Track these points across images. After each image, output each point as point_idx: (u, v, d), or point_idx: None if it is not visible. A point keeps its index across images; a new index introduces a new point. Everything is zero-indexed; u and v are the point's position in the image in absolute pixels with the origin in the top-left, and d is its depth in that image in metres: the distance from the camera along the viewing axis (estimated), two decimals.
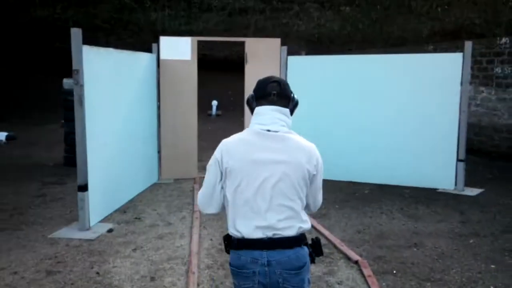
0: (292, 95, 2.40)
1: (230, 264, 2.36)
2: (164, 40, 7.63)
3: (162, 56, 7.56)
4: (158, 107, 7.75)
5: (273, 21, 18.91)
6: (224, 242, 2.42)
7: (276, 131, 2.30)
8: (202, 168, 8.49)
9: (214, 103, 16.53)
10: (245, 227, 2.29)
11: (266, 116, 2.32)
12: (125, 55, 6.56)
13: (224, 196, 2.37)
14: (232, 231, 2.32)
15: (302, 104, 2.62)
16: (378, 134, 7.49)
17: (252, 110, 2.42)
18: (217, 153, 2.35)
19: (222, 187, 2.37)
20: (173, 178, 7.84)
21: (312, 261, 2.39)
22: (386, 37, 19.01)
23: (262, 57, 7.81)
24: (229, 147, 2.34)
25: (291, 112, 2.40)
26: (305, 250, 2.34)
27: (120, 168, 6.25)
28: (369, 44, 18.36)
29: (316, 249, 2.41)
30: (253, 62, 7.81)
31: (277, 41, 7.99)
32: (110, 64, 5.93)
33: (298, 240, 2.31)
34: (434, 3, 19.46)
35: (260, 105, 2.36)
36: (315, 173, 2.34)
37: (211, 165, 2.37)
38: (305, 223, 2.32)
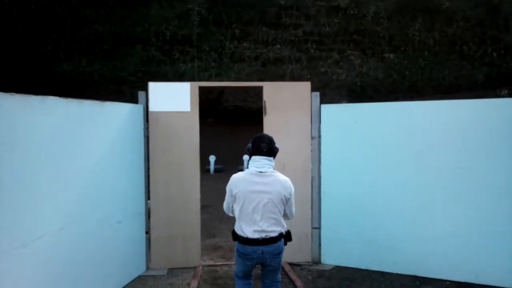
0: (276, 149, 4.08)
1: (237, 250, 3.94)
2: (154, 87, 5.69)
3: (151, 108, 5.58)
4: (147, 174, 5.69)
5: (311, 70, 16.96)
6: (232, 235, 4.01)
7: (265, 172, 3.90)
8: (208, 251, 6.28)
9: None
10: (247, 230, 3.84)
11: (259, 162, 3.92)
12: (87, 106, 4.61)
13: (233, 210, 3.98)
14: (239, 232, 3.90)
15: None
16: (436, 207, 5.20)
17: (250, 156, 4.02)
18: (229, 185, 3.96)
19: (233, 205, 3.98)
20: (166, 268, 5.75)
21: (285, 244, 4.00)
22: (436, 84, 16.79)
23: (286, 105, 5.78)
24: (236, 181, 3.93)
25: (274, 157, 4.05)
26: (282, 242, 3.96)
27: (81, 259, 4.39)
28: (417, 92, 16.23)
29: (287, 237, 4.03)
30: (275, 112, 5.77)
31: (306, 85, 5.94)
32: (55, 119, 3.97)
33: (278, 238, 3.90)
34: (489, 48, 17.17)
35: (255, 155, 3.97)
36: (289, 197, 4.00)
37: (227, 192, 3.99)
38: (283, 228, 3.96)
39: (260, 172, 3.84)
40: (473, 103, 5.29)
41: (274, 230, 3.83)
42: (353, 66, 17.33)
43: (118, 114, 5.16)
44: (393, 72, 17.33)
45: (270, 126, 5.91)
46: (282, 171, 5.96)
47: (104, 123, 4.87)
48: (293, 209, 4.07)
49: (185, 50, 16.78)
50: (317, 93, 6.01)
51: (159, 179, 5.77)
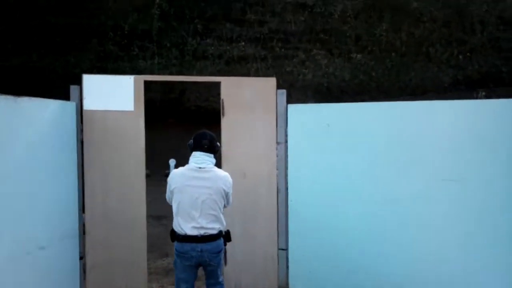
0: (217, 145, 4.05)
1: (176, 250, 3.84)
2: (89, 80, 4.68)
3: (86, 106, 4.59)
4: (82, 185, 4.68)
5: (276, 69, 16.08)
6: (171, 235, 3.89)
7: (204, 168, 3.87)
8: (158, 276, 5.33)
9: (172, 162, 14.16)
10: (186, 227, 3.76)
11: (199, 158, 3.89)
12: None
13: (172, 207, 3.89)
14: (177, 229, 3.82)
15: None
16: (416, 221, 4.39)
17: (191, 152, 3.96)
18: (168, 180, 3.94)
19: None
20: None
21: (225, 244, 3.98)
22: (403, 86, 16.23)
23: (248, 105, 4.89)
24: (175, 176, 3.93)
25: (215, 154, 4.02)
26: (222, 241, 3.91)
27: None
28: (384, 93, 15.61)
29: (227, 237, 3.99)
30: (234, 112, 4.87)
31: (271, 81, 5.05)
32: None
33: (218, 236, 3.84)
34: (455, 50, 16.74)
35: (196, 151, 3.93)
36: (228, 191, 3.98)
37: (167, 187, 3.95)
38: (222, 226, 3.92)
39: (200, 168, 3.85)
40: (465, 104, 4.51)
41: (213, 227, 3.81)
42: (319, 66, 16.57)
43: (41, 112, 4.13)
44: (360, 73, 16.66)
45: (229, 129, 5.01)
46: (243, 180, 5.07)
47: (20, 123, 3.85)
48: (231, 199, 4.12)
49: (145, 46, 15.63)
50: (283, 91, 5.12)
51: (96, 192, 4.76)
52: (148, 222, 8.89)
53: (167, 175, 13.80)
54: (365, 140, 4.69)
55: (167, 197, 4.01)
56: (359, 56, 16.97)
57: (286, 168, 5.04)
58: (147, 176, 13.96)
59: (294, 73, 16.45)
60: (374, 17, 16.93)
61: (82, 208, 4.72)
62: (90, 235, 4.75)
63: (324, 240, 4.89)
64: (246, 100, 4.99)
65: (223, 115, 4.99)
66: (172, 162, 14.89)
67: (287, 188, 5.06)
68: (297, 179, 5.01)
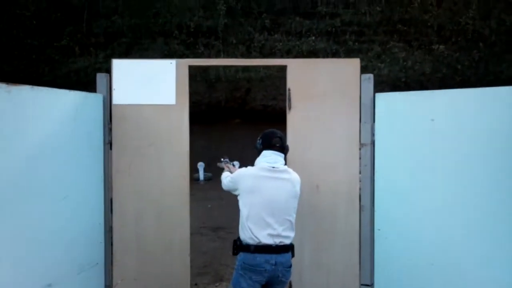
0: (287, 146, 3.37)
1: (243, 263, 3.11)
2: (120, 67, 3.56)
3: (115, 99, 3.48)
4: (109, 201, 3.59)
5: None
6: (234, 247, 3.19)
7: (278, 168, 3.22)
8: None
9: (201, 165, 13.20)
10: (260, 234, 3.08)
11: (270, 157, 3.26)
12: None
13: (240, 211, 3.18)
14: (247, 239, 3.12)
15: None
16: None
17: (259, 153, 3.34)
18: (234, 179, 3.27)
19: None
20: None
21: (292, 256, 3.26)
22: (493, 79, 14.21)
23: (322, 95, 3.56)
24: (244, 176, 3.23)
25: (285, 155, 3.34)
26: (290, 254, 3.22)
27: None
28: (471, 88, 13.69)
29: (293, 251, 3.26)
30: (304, 105, 3.57)
31: (353, 63, 3.67)
32: None
33: (291, 247, 3.20)
34: None
35: (266, 150, 3.30)
36: (299, 192, 3.30)
37: (232, 181, 3.29)
38: (294, 233, 3.24)
39: (273, 167, 3.24)
40: None
41: (288, 235, 3.21)
42: (396, 59, 14.89)
43: (58, 106, 3.07)
44: (443, 66, 14.83)
45: (297, 126, 3.73)
46: (314, 194, 3.79)
47: (28, 118, 2.81)
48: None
49: (210, 44, 14.74)
50: (370, 76, 3.77)
51: (127, 209, 3.64)
52: (202, 233, 7.93)
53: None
54: (489, 141, 3.26)
55: (225, 185, 3.42)
56: (441, 47, 15.13)
57: (373, 178, 3.69)
58: (209, 179, 12.97)
59: (368, 68, 14.83)
60: (460, 4, 15.00)
61: (109, 230, 3.64)
62: (119, 265, 3.66)
63: (423, 276, 3.50)
64: (320, 89, 3.69)
65: (289, 108, 3.73)
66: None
67: (373, 206, 3.71)
68: (387, 194, 3.65)
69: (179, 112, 3.66)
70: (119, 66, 3.61)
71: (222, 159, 3.83)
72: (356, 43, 15.05)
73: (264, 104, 14.47)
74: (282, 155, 3.30)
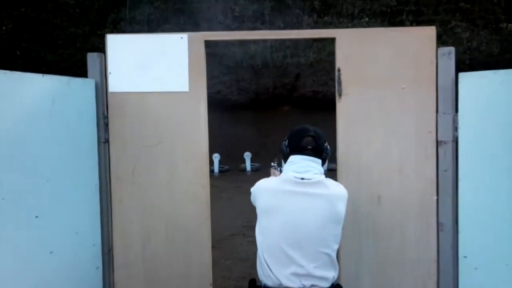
0: (325, 147, 2.31)
1: None
2: (116, 44, 2.68)
3: (112, 86, 2.61)
4: (106, 217, 2.74)
5: None
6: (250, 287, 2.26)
7: (310, 179, 2.19)
8: None
9: (247, 155, 12.07)
10: (280, 274, 2.11)
11: (299, 164, 2.23)
12: None
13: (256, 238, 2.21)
14: (264, 278, 2.16)
15: None
16: None
17: (285, 158, 2.32)
18: (252, 196, 2.31)
19: None
20: None
21: None
22: None
23: (383, 76, 2.50)
24: (263, 191, 2.25)
25: (324, 162, 2.30)
26: None
27: None
28: None
29: None
30: (360, 89, 2.53)
31: (427, 32, 2.59)
32: None
33: None
34: None
35: (294, 154, 2.27)
36: (343, 213, 2.20)
37: (252, 196, 2.31)
38: (336, 272, 2.19)
39: (303, 179, 2.19)
40: None
41: (324, 276, 2.12)
42: (460, 40, 13.38)
43: (23, 97, 2.25)
44: None
45: (349, 119, 2.73)
46: (375, 208, 2.81)
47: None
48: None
49: (257, 28, 13.77)
50: (451, 50, 2.71)
51: (130, 227, 2.80)
52: (244, 234, 6.92)
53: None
54: None
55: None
56: (510, 26, 13.52)
57: (455, 187, 2.66)
58: (256, 170, 12.01)
59: None
60: None
61: (108, 252, 2.81)
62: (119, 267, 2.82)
63: None
64: (382, 68, 2.68)
65: (339, 95, 2.74)
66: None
67: (456, 224, 2.69)
68: (476, 209, 2.61)
69: (194, 101, 2.75)
70: (116, 43, 2.73)
71: (272, 163, 2.88)
72: (414, 23, 13.64)
73: (314, 90, 13.40)
74: (318, 160, 2.27)
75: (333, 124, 2.79)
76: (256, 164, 12.32)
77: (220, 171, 12.20)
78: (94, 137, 2.71)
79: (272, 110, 13.81)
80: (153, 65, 2.74)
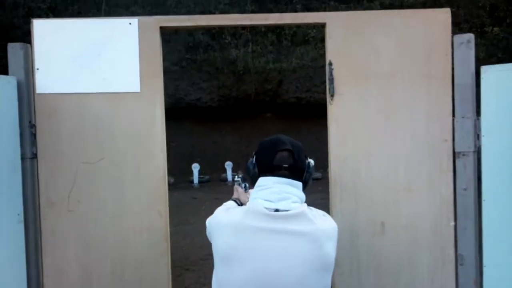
0: (307, 164, 1.66)
1: None
2: (46, 29, 2.03)
3: (40, 86, 1.97)
4: (34, 255, 2.08)
5: None
6: None
7: (287, 211, 1.56)
8: None
9: (228, 165, 11.48)
10: None
11: (271, 190, 1.59)
12: None
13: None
14: None
15: None
16: None
17: (253, 181, 1.67)
18: (208, 230, 1.70)
19: None
20: None
21: None
22: None
23: (385, 70, 1.88)
24: (221, 226, 1.60)
25: (305, 184, 1.66)
26: None
27: None
28: None
29: None
30: (357, 88, 1.91)
31: (440, 15, 1.99)
32: None
33: None
34: None
35: (264, 175, 1.63)
36: (333, 256, 1.58)
37: (207, 230, 1.70)
38: None
39: (277, 210, 1.56)
40: None
41: None
42: None
43: None
44: (498, 50, 12.99)
45: (344, 126, 2.14)
46: (377, 238, 2.20)
47: None
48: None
49: (238, 33, 13.21)
50: (470, 37, 2.15)
51: (67, 267, 2.17)
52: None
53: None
54: None
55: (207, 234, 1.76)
56: (495, 29, 13.20)
57: (478, 210, 2.10)
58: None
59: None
60: None
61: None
62: None
63: None
64: (383, 60, 2.10)
65: (331, 95, 2.15)
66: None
67: (479, 256, 2.11)
68: (502, 237, 2.04)
69: (147, 104, 2.13)
70: (45, 29, 2.10)
71: (236, 177, 2.24)
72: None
73: (298, 97, 12.84)
74: (297, 183, 1.64)
75: (320, 132, 2.21)
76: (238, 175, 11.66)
77: (200, 182, 11.51)
78: (16, 152, 2.07)
79: (254, 117, 13.23)
80: (95, 59, 2.12)
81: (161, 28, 2.14)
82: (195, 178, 11.47)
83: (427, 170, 2.16)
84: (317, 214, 1.62)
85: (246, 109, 13.08)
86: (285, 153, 1.62)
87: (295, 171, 1.62)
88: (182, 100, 12.64)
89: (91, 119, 2.13)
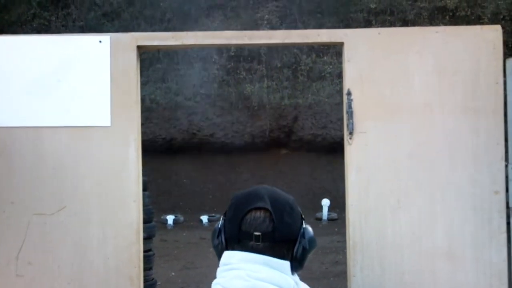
0: (301, 232, 1.08)
1: None
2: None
3: None
4: None
5: None
6: None
7: None
8: None
9: (325, 202, 10.18)
10: None
11: (237, 272, 1.03)
12: None
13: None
14: None
15: None
16: None
17: (218, 255, 1.12)
18: None
19: None
20: None
21: None
22: None
23: (423, 100, 1.37)
24: None
25: (300, 264, 1.08)
26: None
27: None
28: None
29: None
30: (384, 121, 1.39)
31: (489, 33, 1.51)
32: None
33: None
34: None
35: (231, 248, 1.09)
36: None
37: None
38: None
39: None
40: None
41: None
42: None
43: None
44: None
45: (367, 171, 1.68)
46: None
47: None
48: None
49: (253, 68, 12.95)
50: None
51: None
52: None
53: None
54: None
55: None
56: None
57: None
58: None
59: None
60: None
61: None
62: None
63: None
64: (416, 89, 1.65)
65: (350, 133, 1.69)
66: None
67: None
68: None
69: (119, 141, 1.70)
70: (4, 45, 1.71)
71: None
72: None
73: (314, 133, 12.38)
74: (278, 262, 1.05)
75: (336, 170, 1.73)
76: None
77: (209, 221, 10.97)
78: None
79: (268, 154, 12.77)
80: (55, 85, 1.70)
81: (139, 47, 1.72)
82: (205, 218, 10.97)
83: (472, 231, 1.67)
84: None
85: (261, 145, 12.66)
86: (258, 214, 1.07)
87: (275, 243, 1.07)
88: (195, 135, 12.34)
89: (50, 159, 1.70)
